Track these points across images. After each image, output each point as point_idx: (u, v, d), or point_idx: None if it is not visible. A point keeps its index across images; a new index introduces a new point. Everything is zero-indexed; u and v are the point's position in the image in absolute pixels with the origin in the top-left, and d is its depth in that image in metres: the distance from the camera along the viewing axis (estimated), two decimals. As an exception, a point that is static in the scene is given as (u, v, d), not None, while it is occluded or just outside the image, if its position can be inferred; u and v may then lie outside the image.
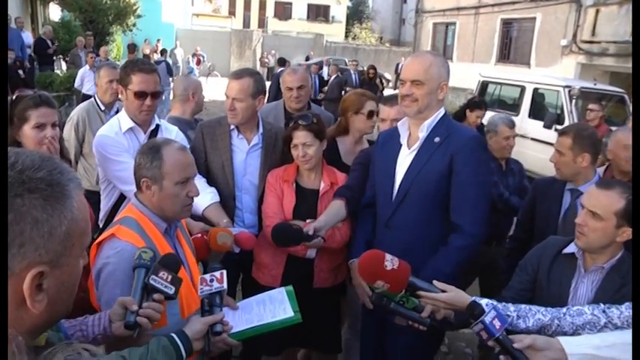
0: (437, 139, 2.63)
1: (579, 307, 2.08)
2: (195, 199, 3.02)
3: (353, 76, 14.88)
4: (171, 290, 1.82)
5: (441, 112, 2.69)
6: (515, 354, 1.85)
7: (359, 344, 3.40)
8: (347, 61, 27.95)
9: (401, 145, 2.78)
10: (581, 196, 3.15)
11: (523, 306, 2.11)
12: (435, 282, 2.19)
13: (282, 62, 14.28)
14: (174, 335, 1.75)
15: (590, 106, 7.95)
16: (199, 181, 3.10)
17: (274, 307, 2.44)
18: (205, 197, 3.04)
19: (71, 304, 1.06)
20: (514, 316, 2.07)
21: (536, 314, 2.07)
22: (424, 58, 2.66)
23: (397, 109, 3.32)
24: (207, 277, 2.00)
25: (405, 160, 2.73)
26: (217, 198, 3.10)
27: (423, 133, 2.66)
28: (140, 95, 3.00)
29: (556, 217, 3.22)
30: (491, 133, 4.38)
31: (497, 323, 1.89)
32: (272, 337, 3.14)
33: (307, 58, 25.64)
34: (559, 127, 9.35)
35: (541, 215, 3.31)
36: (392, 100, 3.42)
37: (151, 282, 1.79)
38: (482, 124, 6.39)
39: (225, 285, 2.00)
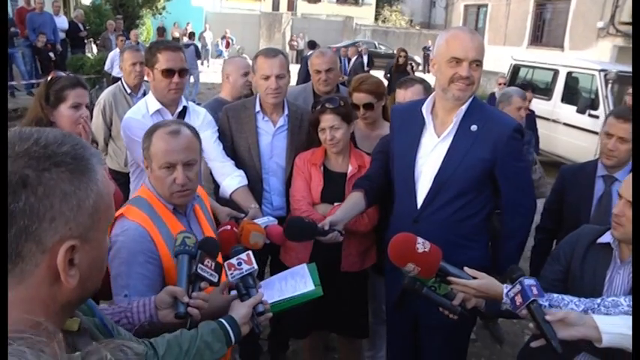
0: (474, 127, 2.45)
1: (615, 297, 2.00)
2: (223, 182, 3.06)
3: None
4: (215, 278, 1.84)
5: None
6: (543, 327, 1.81)
7: (382, 329, 3.39)
8: (377, 44, 27.72)
9: (422, 129, 2.58)
10: (616, 183, 3.04)
11: (555, 295, 2.04)
12: (466, 269, 2.14)
13: (312, 45, 14.16)
14: (222, 320, 1.75)
15: (631, 90, 7.57)
16: (227, 164, 3.10)
17: (295, 282, 2.45)
18: (233, 180, 3.06)
19: (100, 281, 1.06)
20: (546, 305, 2.00)
21: (569, 304, 2.00)
22: (478, 36, 2.44)
23: (412, 91, 3.26)
24: (234, 261, 1.96)
25: (435, 149, 2.53)
26: (245, 181, 3.09)
27: (457, 118, 2.47)
28: (168, 72, 2.99)
29: (588, 206, 3.10)
30: (504, 103, 4.60)
31: (534, 290, 1.87)
32: (299, 321, 3.17)
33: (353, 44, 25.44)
34: (593, 112, 9.13)
35: (571, 204, 3.18)
36: (407, 83, 3.36)
37: (199, 271, 1.80)
38: (531, 111, 6.17)
39: (255, 265, 1.98)
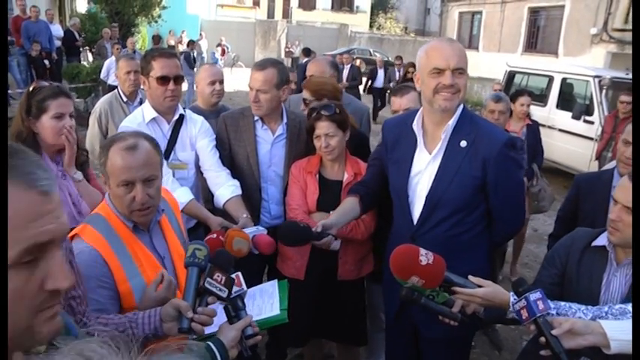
0: (464, 143, 2.40)
1: (622, 305, 1.98)
2: (217, 191, 3.04)
3: (397, 73, 14.15)
4: (224, 293, 1.77)
5: (460, 107, 2.44)
6: (551, 341, 1.79)
7: (380, 337, 3.38)
8: (372, 51, 27.76)
9: (415, 144, 2.53)
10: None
11: (562, 303, 2.02)
12: (470, 277, 2.10)
13: (307, 52, 14.15)
14: (210, 343, 1.69)
15: (622, 97, 7.48)
16: (222, 174, 3.09)
17: (263, 301, 2.32)
18: (226, 190, 3.03)
19: (28, 321, 0.88)
20: (553, 314, 1.97)
21: (577, 312, 1.97)
22: (459, 45, 2.41)
23: (408, 98, 3.25)
24: None
25: (427, 166, 2.49)
26: (239, 191, 3.06)
27: (445, 134, 2.43)
28: (163, 80, 2.96)
29: (604, 215, 3.08)
30: (483, 108, 4.85)
31: (540, 305, 1.85)
32: (297, 329, 3.15)
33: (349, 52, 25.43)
34: (588, 118, 9.17)
35: (586, 213, 3.11)
36: (402, 90, 3.36)
37: (207, 286, 1.75)
38: (533, 121, 5.90)
39: (244, 287, 1.92)
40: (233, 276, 1.88)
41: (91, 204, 2.55)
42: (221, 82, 4.09)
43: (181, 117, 3.13)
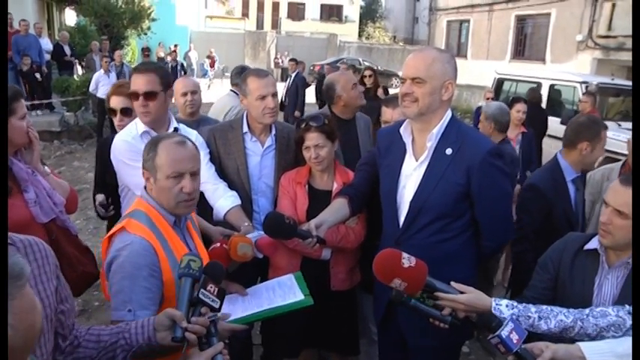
0: (449, 151, 2.43)
1: (603, 308, 2.02)
2: (217, 203, 3.04)
3: None
4: (217, 304, 1.79)
5: (448, 115, 2.48)
6: None
7: (372, 350, 3.39)
8: (361, 60, 27.86)
9: (404, 151, 2.58)
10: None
11: (545, 307, 2.05)
12: (452, 283, 2.12)
13: (296, 62, 14.02)
14: None
15: (581, 97, 8.52)
16: (219, 186, 3.08)
17: (284, 291, 2.47)
18: (226, 201, 3.02)
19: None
20: (535, 317, 2.01)
21: (558, 315, 2.01)
22: (427, 54, 2.44)
23: (400, 111, 3.29)
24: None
25: (413, 173, 2.53)
26: (238, 201, 3.05)
27: (431, 142, 2.46)
28: (134, 96, 2.92)
29: (574, 212, 3.13)
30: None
31: (514, 337, 1.84)
32: (290, 340, 3.15)
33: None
34: (576, 123, 9.27)
35: (560, 214, 3.16)
36: (394, 101, 3.33)
37: (201, 296, 1.76)
38: (528, 130, 6.02)
39: (219, 311, 1.87)
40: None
41: (63, 193, 2.64)
42: (193, 92, 4.17)
43: (175, 130, 3.09)
